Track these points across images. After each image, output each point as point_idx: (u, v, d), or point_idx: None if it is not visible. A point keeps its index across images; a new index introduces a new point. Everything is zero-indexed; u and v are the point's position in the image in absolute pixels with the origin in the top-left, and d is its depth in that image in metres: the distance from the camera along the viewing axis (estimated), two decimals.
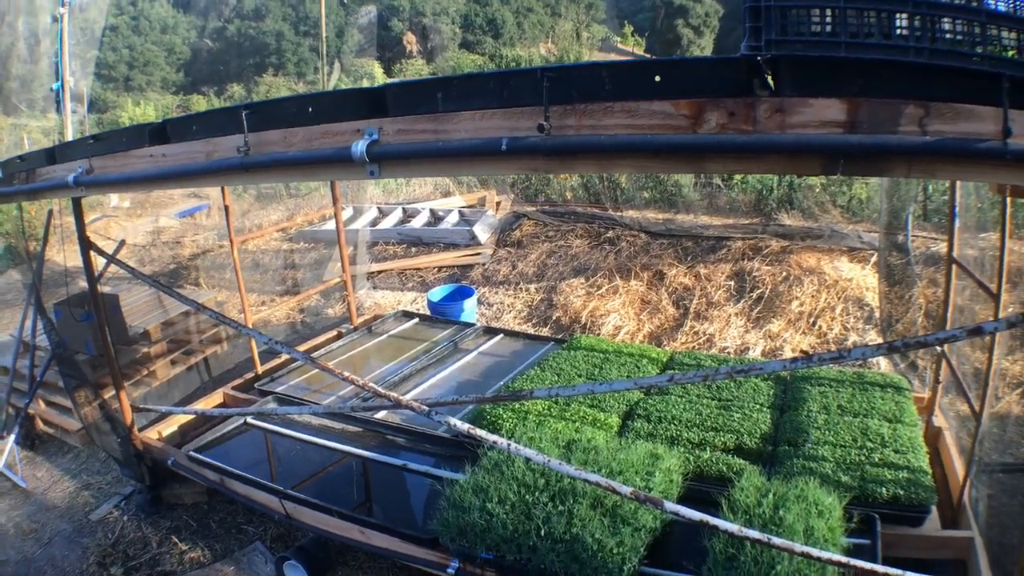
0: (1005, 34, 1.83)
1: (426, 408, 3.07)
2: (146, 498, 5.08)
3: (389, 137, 2.55)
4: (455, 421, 3.02)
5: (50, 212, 6.24)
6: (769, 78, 1.88)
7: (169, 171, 3.26)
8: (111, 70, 45.58)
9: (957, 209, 4.17)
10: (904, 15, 1.85)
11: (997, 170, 1.84)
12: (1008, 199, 3.42)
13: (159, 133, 3.32)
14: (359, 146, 2.52)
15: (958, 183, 4.11)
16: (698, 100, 1.96)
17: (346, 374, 3.40)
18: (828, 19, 1.91)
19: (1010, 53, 1.83)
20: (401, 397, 3.22)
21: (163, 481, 5.07)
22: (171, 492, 5.12)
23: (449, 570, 3.49)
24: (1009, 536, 4.05)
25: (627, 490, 2.82)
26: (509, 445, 2.94)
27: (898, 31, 1.87)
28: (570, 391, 2.96)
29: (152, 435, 5.12)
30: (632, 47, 48.87)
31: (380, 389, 3.31)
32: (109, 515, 5.10)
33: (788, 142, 1.84)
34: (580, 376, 5.04)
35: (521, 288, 8.75)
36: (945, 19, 1.84)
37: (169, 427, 5.26)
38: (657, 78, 1.99)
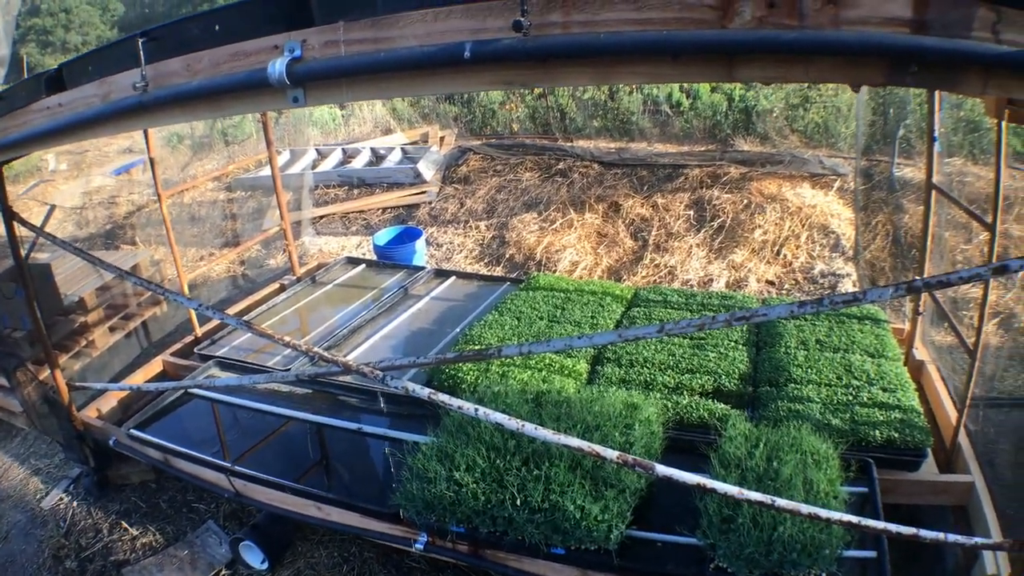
0: None
1: (380, 373, 2.67)
2: (93, 480, 4.62)
3: (315, 52, 2.05)
4: (413, 387, 2.63)
5: None
6: None
7: (61, 124, 2.72)
8: (48, 35, 42.58)
9: (937, 133, 3.86)
10: None
11: None
12: (1004, 124, 3.09)
13: (55, 80, 2.78)
14: (277, 66, 2.02)
15: (937, 103, 3.78)
16: None
17: (287, 339, 2.96)
18: None
19: None
20: (351, 363, 2.81)
21: (108, 461, 4.61)
22: (117, 472, 4.67)
23: (417, 545, 3.17)
24: (1002, 478, 3.87)
25: (614, 454, 2.49)
26: (477, 411, 2.57)
27: None
28: (544, 347, 2.57)
29: (92, 413, 4.57)
30: None
31: (326, 354, 2.90)
32: (59, 502, 4.66)
33: (848, 41, 1.43)
34: (542, 319, 4.69)
35: (471, 226, 8.30)
36: None
37: (109, 402, 4.71)
38: None
